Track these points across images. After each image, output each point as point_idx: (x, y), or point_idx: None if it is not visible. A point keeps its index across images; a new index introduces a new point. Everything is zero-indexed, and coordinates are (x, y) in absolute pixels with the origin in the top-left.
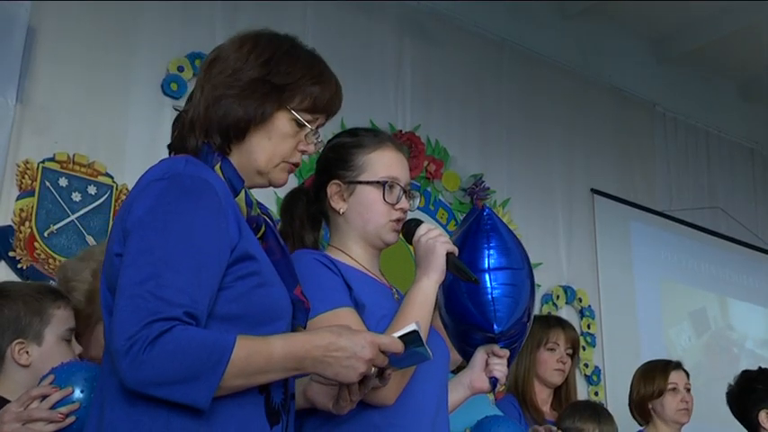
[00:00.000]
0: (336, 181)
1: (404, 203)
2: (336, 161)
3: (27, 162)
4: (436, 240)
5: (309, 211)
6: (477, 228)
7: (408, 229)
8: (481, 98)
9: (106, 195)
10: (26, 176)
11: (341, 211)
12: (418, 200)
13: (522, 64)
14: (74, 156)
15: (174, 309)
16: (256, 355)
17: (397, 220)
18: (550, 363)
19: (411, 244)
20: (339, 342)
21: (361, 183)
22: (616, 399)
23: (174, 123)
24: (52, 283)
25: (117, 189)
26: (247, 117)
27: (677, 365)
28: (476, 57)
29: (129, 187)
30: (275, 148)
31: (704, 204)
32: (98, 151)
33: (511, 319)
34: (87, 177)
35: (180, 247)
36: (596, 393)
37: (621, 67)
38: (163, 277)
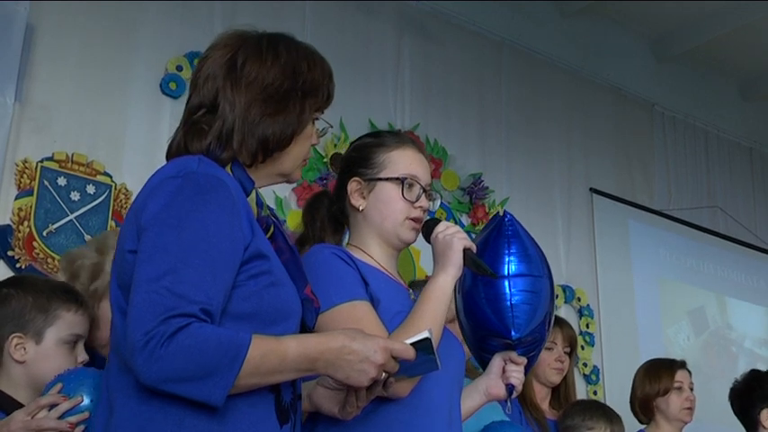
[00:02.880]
0: (357, 178)
1: (423, 202)
2: (358, 159)
3: (26, 161)
4: (453, 236)
5: (331, 212)
6: (497, 233)
7: (427, 227)
8: (480, 97)
9: (105, 195)
10: (25, 175)
11: (360, 208)
12: (438, 201)
13: (521, 63)
14: (72, 155)
15: (190, 305)
16: (271, 354)
17: (416, 219)
18: (548, 361)
19: (430, 242)
20: (352, 345)
21: (380, 179)
22: (615, 398)
23: (185, 124)
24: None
25: (116, 188)
26: (293, 131)
27: (682, 365)
28: (475, 56)
29: (128, 186)
30: (302, 151)
31: (703, 204)
32: (97, 150)
33: (529, 325)
34: (86, 176)
35: (195, 244)
36: (595, 392)
37: (620, 65)
38: (179, 273)
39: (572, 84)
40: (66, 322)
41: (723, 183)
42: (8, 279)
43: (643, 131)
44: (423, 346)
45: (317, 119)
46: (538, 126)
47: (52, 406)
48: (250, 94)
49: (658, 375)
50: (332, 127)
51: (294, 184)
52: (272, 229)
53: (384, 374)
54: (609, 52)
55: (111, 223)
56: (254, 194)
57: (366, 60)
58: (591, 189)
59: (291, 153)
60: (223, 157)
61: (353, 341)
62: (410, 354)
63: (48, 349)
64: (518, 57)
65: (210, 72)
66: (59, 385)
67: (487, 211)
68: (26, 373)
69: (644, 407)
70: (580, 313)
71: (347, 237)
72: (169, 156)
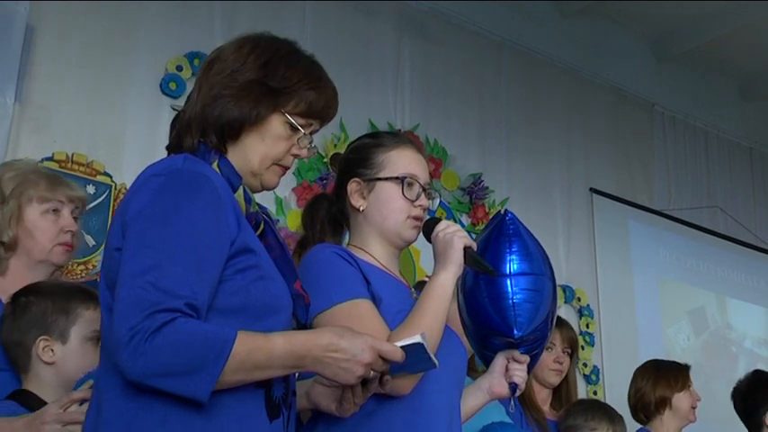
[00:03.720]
0: (356, 179)
1: (423, 201)
2: (357, 160)
3: None
4: (454, 235)
5: (331, 214)
6: (499, 232)
7: (428, 226)
8: (480, 97)
9: (105, 195)
10: None
11: (360, 208)
12: (438, 200)
13: (520, 63)
14: (72, 155)
15: (175, 300)
16: (257, 350)
17: (417, 218)
18: (547, 362)
19: (430, 241)
20: (340, 343)
21: (380, 179)
22: (615, 398)
23: (172, 123)
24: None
25: (116, 188)
26: (242, 117)
27: (688, 366)
28: (475, 56)
29: (128, 186)
30: (268, 150)
31: (703, 204)
32: (97, 150)
33: (531, 324)
34: (86, 177)
35: (180, 240)
36: (595, 392)
37: (620, 65)
38: (164, 268)
39: (572, 84)
40: (87, 320)
41: (723, 183)
42: (24, 288)
43: (643, 131)
44: (416, 348)
45: (296, 127)
46: (538, 126)
47: (83, 401)
48: (215, 79)
49: (675, 375)
50: (315, 148)
51: (294, 184)
52: (262, 225)
53: (373, 372)
54: (609, 52)
55: (112, 220)
56: (241, 191)
57: (366, 60)
58: (591, 189)
59: (252, 145)
60: (186, 142)
61: (341, 339)
62: (397, 356)
63: (74, 348)
64: (518, 57)
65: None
66: (91, 381)
67: (487, 211)
68: (56, 373)
69: (660, 405)
70: (580, 313)
71: (347, 238)
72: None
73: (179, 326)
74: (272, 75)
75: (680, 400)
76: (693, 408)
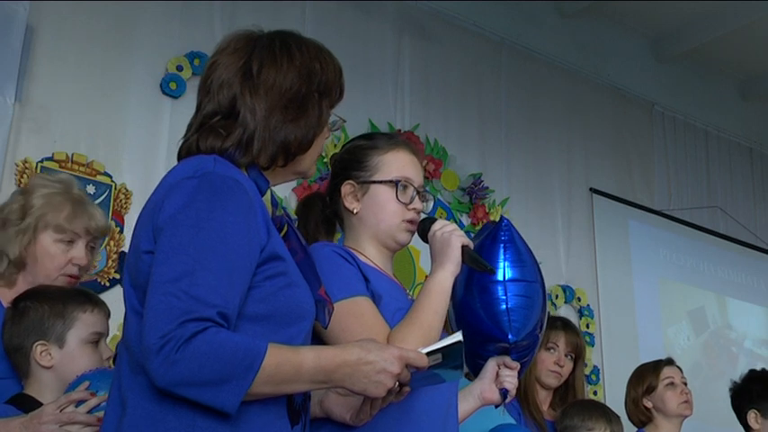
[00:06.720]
0: (350, 181)
1: (417, 204)
2: (351, 162)
3: (26, 161)
4: (452, 234)
5: (324, 214)
6: (493, 239)
7: (424, 226)
8: (480, 97)
9: (105, 194)
10: (25, 175)
11: (354, 210)
12: (432, 202)
13: (520, 63)
14: (72, 155)
15: (207, 309)
16: (287, 364)
17: (411, 221)
18: (547, 363)
19: (426, 241)
20: (368, 357)
21: (374, 182)
22: (615, 398)
23: (200, 129)
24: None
25: (116, 188)
26: (313, 136)
27: (669, 361)
28: (474, 56)
29: (128, 186)
30: (319, 148)
31: (703, 204)
32: (97, 150)
33: (525, 329)
34: (86, 176)
35: (213, 246)
36: (595, 393)
37: (620, 66)
38: (197, 276)
39: (572, 84)
40: (85, 323)
41: (723, 183)
42: (23, 293)
43: (643, 131)
44: (451, 350)
45: (335, 117)
46: (538, 126)
47: (80, 402)
48: (270, 101)
49: (643, 376)
50: (345, 121)
51: (294, 184)
52: (285, 228)
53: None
54: (609, 52)
55: (111, 223)
56: (269, 194)
57: (366, 60)
58: (591, 189)
59: (311, 153)
60: (242, 161)
61: (369, 353)
62: (423, 362)
63: (72, 351)
64: (518, 57)
65: (225, 79)
66: (87, 383)
67: (487, 210)
68: (55, 377)
69: (636, 410)
70: (580, 313)
71: (340, 238)
72: (180, 158)
73: (210, 336)
74: (317, 82)
75: (661, 399)
76: (683, 402)
